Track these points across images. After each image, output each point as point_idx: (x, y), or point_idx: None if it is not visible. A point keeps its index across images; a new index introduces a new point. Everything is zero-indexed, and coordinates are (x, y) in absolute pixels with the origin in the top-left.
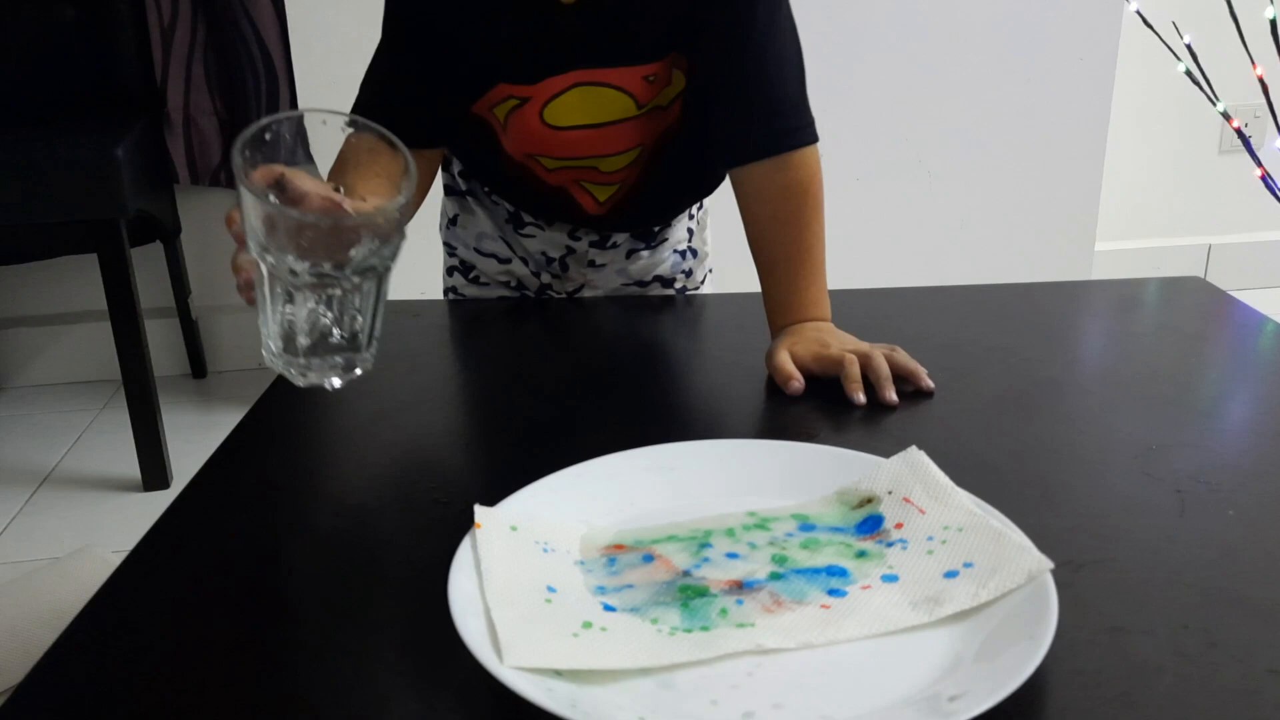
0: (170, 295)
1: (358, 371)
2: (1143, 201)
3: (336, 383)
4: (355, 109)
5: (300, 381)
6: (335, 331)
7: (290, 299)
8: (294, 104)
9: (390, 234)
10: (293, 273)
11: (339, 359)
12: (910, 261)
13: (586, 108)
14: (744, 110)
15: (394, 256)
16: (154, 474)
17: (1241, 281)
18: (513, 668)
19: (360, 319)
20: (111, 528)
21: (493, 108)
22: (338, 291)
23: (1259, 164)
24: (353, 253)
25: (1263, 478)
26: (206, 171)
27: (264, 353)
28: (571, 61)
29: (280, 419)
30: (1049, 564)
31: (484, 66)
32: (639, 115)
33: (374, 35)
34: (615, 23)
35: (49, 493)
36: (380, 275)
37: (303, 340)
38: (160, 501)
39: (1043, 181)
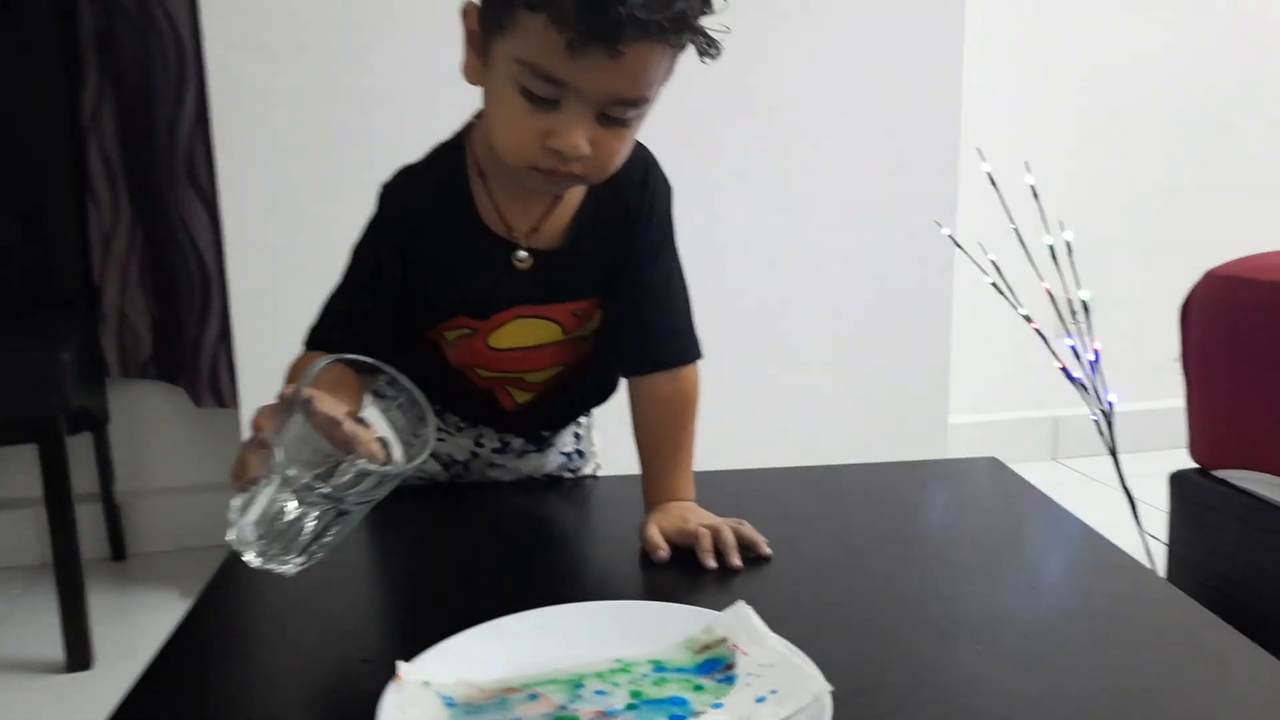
0: (92, 481)
1: (308, 564)
2: (991, 378)
3: (291, 570)
4: (314, 333)
5: (256, 564)
6: (305, 535)
7: (288, 503)
8: (225, 307)
9: (395, 479)
10: (308, 487)
11: (299, 558)
12: (779, 440)
13: (523, 334)
14: (648, 333)
15: (387, 493)
16: (78, 656)
17: (1086, 449)
18: None
19: (331, 531)
20: (36, 711)
21: (444, 332)
22: (332, 510)
23: (1056, 356)
24: (362, 485)
25: (1004, 620)
26: (136, 365)
27: (233, 533)
28: (517, 301)
29: (224, 605)
30: (828, 686)
31: (445, 305)
32: (563, 340)
33: (305, 251)
34: (556, 274)
35: None
36: (370, 504)
37: (276, 535)
38: (83, 683)
39: (895, 364)
